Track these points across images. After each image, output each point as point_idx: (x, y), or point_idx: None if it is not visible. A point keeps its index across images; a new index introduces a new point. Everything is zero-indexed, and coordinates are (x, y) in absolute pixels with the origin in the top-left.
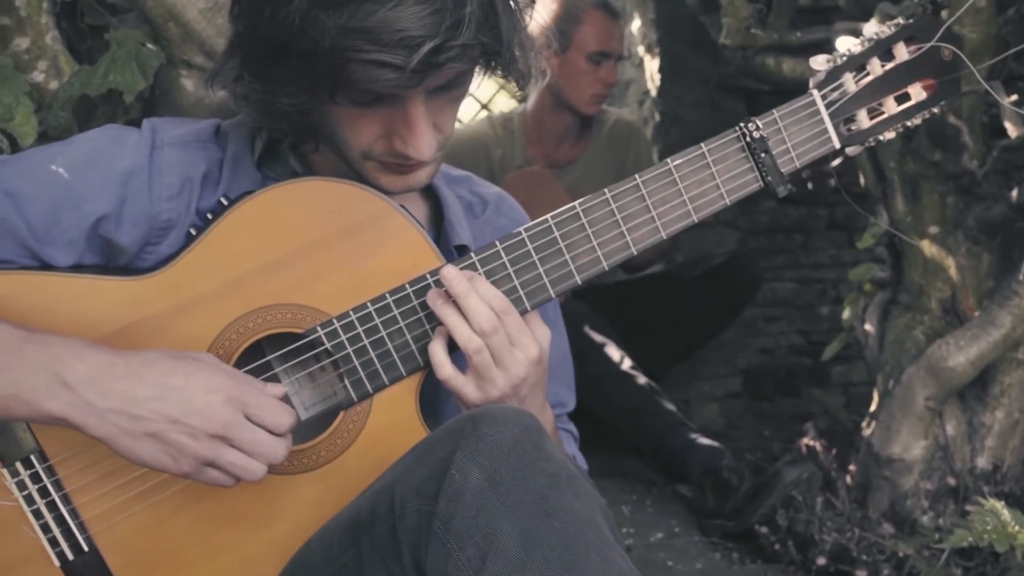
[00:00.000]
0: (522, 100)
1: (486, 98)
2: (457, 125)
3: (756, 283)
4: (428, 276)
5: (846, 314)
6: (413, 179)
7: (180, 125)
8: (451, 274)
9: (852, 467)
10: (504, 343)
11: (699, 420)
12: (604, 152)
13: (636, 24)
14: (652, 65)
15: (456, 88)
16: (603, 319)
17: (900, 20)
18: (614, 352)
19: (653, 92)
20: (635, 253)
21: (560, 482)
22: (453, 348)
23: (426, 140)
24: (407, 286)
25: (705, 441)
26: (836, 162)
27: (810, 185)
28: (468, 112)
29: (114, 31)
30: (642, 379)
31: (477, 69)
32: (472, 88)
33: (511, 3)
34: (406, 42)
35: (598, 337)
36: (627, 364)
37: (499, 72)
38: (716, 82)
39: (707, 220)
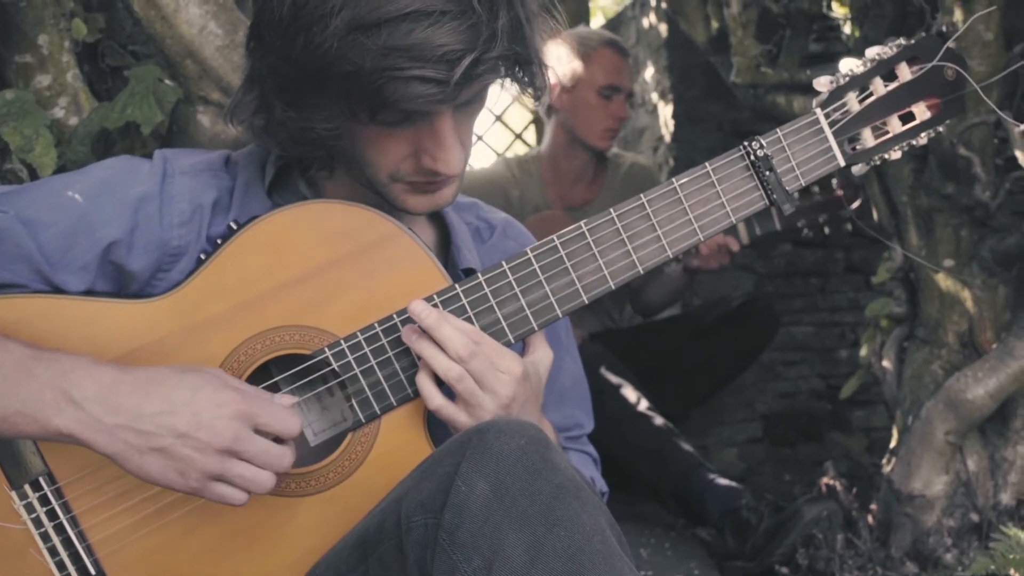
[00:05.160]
0: (535, 112)
1: (502, 147)
2: (473, 168)
3: (773, 326)
4: (436, 297)
5: (863, 351)
6: (439, 197)
7: (191, 155)
8: (419, 308)
9: (873, 506)
10: (485, 366)
11: (719, 465)
12: (620, 195)
13: (649, 71)
14: (666, 111)
15: (478, 103)
16: (620, 363)
17: (902, 41)
18: (631, 393)
19: (667, 138)
20: (641, 272)
21: (566, 492)
22: (440, 381)
23: (455, 154)
24: None
25: (724, 481)
26: (855, 204)
27: (827, 230)
28: (486, 159)
29: (134, 68)
30: (659, 420)
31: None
32: (484, 129)
33: (533, 14)
34: (447, 57)
35: (614, 378)
36: (644, 405)
37: (524, 83)
38: (730, 127)
39: (724, 264)
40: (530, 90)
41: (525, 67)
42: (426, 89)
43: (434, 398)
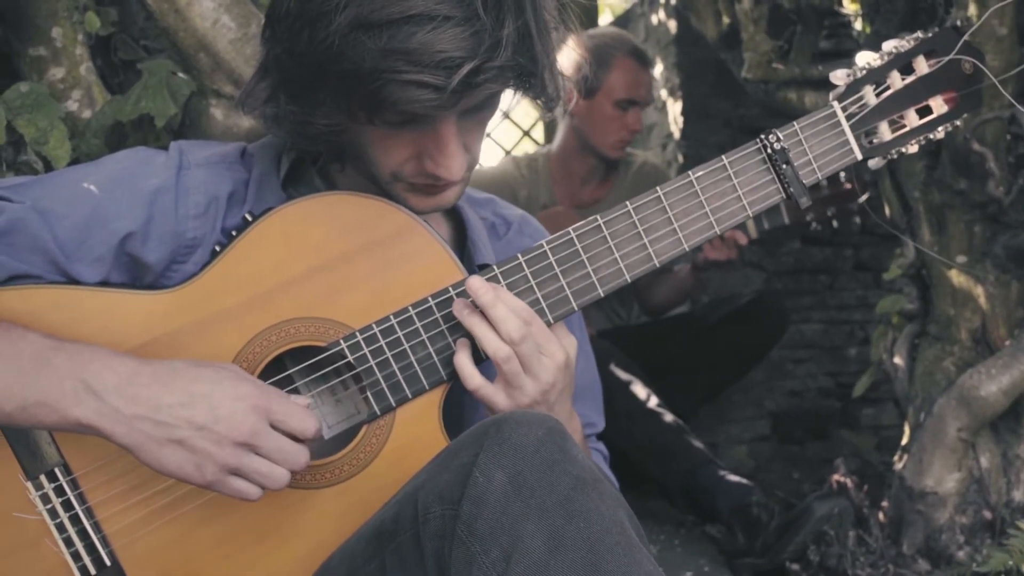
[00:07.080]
0: (548, 121)
1: (510, 144)
2: (481, 167)
3: (783, 324)
4: (451, 289)
5: (875, 348)
6: (442, 199)
7: (207, 147)
8: (477, 284)
9: (884, 503)
10: (532, 350)
11: (728, 463)
12: (629, 194)
13: (659, 68)
14: (675, 108)
15: (486, 110)
16: (629, 359)
17: (919, 34)
18: (640, 390)
19: (676, 135)
20: (657, 265)
21: (585, 484)
22: (478, 360)
23: (457, 161)
24: (430, 299)
25: (734, 478)
26: (863, 197)
27: (835, 223)
28: (495, 156)
29: (147, 61)
30: (669, 417)
31: (508, 91)
32: (493, 126)
33: (545, 25)
34: (446, 63)
35: (624, 375)
36: (654, 402)
37: (530, 93)
38: (739, 124)
39: (733, 261)
40: (540, 100)
41: (533, 78)
42: (423, 94)
43: (473, 378)
